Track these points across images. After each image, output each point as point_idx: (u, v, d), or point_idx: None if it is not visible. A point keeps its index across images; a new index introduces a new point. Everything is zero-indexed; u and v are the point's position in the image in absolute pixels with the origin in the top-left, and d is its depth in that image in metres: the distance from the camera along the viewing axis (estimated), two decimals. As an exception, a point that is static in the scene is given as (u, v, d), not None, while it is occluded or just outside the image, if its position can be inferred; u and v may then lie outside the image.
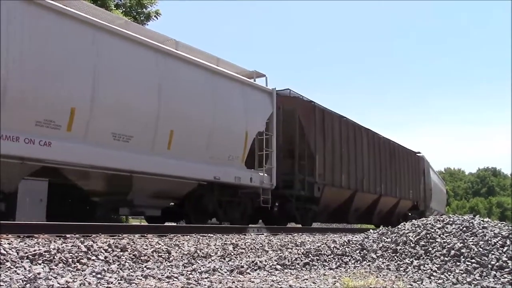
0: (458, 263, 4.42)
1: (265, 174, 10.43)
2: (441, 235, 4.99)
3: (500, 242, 4.64)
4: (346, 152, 14.21)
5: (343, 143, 14.07)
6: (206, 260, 4.92)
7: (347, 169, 14.14)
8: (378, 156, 16.62)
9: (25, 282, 3.11)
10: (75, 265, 3.98)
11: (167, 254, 4.90)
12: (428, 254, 4.71)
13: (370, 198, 16.16)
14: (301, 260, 4.80)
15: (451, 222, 5.32)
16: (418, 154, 21.87)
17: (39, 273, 3.34)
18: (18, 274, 3.32)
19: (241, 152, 9.78)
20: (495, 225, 5.23)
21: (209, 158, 8.95)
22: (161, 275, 3.72)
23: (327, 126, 13.30)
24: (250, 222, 11.42)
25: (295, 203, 11.89)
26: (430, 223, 5.38)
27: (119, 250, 4.64)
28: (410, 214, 19.84)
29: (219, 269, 4.20)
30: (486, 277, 4.08)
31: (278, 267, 4.54)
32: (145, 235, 6.00)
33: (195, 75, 8.86)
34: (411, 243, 4.97)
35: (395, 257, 4.81)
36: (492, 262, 4.31)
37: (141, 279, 3.54)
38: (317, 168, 12.50)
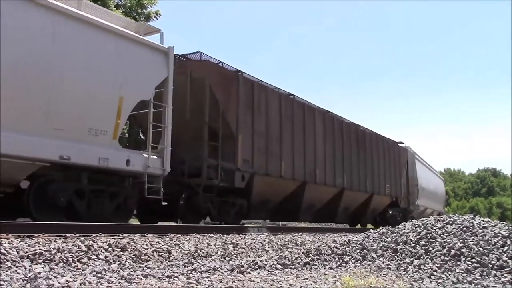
0: (458, 263, 4.42)
1: (154, 157, 8.08)
2: (442, 235, 5.00)
3: (500, 242, 4.64)
4: (290, 136, 11.90)
5: (284, 125, 11.71)
6: (206, 260, 4.92)
7: (290, 156, 11.80)
8: (339, 143, 14.32)
9: (25, 282, 3.11)
10: (75, 264, 3.98)
11: (167, 254, 4.90)
12: (428, 253, 4.71)
13: (328, 192, 13.90)
14: (302, 260, 4.80)
15: (451, 222, 5.32)
16: (401, 145, 19.75)
17: (39, 273, 3.34)
18: (18, 273, 3.33)
19: (111, 125, 7.44)
20: (495, 225, 5.24)
21: (53, 130, 6.68)
22: (162, 275, 3.72)
23: (259, 101, 10.98)
24: (147, 218, 9.86)
25: (203, 195, 9.42)
26: (430, 223, 5.38)
27: (120, 249, 4.64)
28: (390, 212, 18.21)
29: (219, 269, 4.21)
30: (486, 277, 4.08)
31: (279, 266, 4.54)
32: (145, 234, 6.00)
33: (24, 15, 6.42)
34: (412, 242, 4.97)
35: (396, 256, 4.81)
36: (493, 262, 4.31)
37: (141, 279, 3.54)
38: (239, 152, 10.12)
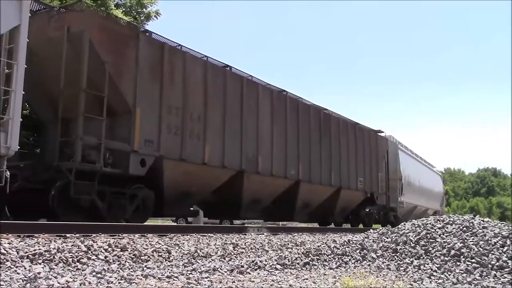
0: (458, 263, 4.42)
1: None
2: (441, 235, 4.99)
3: (500, 242, 4.64)
4: (219, 114, 9.87)
5: (211, 100, 9.65)
6: (206, 260, 4.92)
7: (218, 139, 9.75)
8: (293, 127, 12.24)
9: (25, 282, 3.11)
10: (75, 264, 3.98)
11: (167, 254, 4.91)
12: (428, 254, 4.71)
13: (277, 184, 11.76)
14: (301, 260, 4.80)
15: (451, 222, 5.32)
16: (380, 134, 17.49)
17: (39, 273, 3.34)
18: (18, 273, 3.33)
19: None
20: (495, 225, 5.23)
21: None
22: (161, 275, 3.72)
23: (173, 69, 8.90)
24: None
25: (76, 183, 7.29)
26: (430, 223, 5.38)
27: (119, 249, 4.64)
28: (368, 210, 16.45)
29: (219, 269, 4.20)
30: (486, 277, 4.08)
31: (278, 266, 4.54)
32: (145, 234, 6.00)
33: None
34: (411, 243, 4.97)
35: (395, 257, 4.81)
36: (492, 262, 4.31)
37: (141, 279, 3.54)
38: (137, 131, 8.06)
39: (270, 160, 11.27)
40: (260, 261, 4.61)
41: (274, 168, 11.37)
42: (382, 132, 17.76)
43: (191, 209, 10.87)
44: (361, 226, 16.37)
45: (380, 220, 17.44)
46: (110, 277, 3.47)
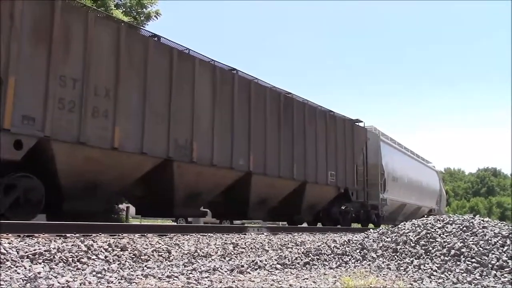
0: (458, 263, 4.42)
1: None
2: (441, 235, 5.00)
3: (500, 242, 4.64)
4: (136, 89, 8.18)
5: (125, 74, 8.03)
6: (206, 260, 4.92)
7: (134, 119, 8.09)
8: (244, 111, 10.61)
9: (25, 282, 3.11)
10: (75, 264, 3.98)
11: (167, 254, 4.91)
12: (428, 253, 4.71)
13: (220, 176, 10.03)
14: (301, 260, 4.80)
15: (451, 221, 5.32)
16: (358, 124, 15.79)
17: (39, 273, 3.34)
18: (18, 273, 3.32)
19: None
20: (495, 224, 5.23)
21: None
22: (161, 275, 3.72)
23: (67, 33, 7.26)
24: None
25: None
26: (430, 223, 5.38)
27: (119, 249, 4.64)
28: (344, 208, 14.73)
29: (219, 269, 4.20)
30: (486, 277, 4.08)
31: (279, 266, 4.54)
32: (145, 234, 6.01)
33: None
34: (411, 242, 4.97)
35: (396, 256, 4.81)
36: (492, 262, 4.31)
37: (141, 279, 3.54)
38: (10, 104, 6.51)
39: (210, 148, 9.58)
40: (260, 261, 4.61)
41: (215, 157, 9.67)
42: (361, 121, 15.91)
43: (119, 206, 10.11)
44: (353, 226, 15.78)
45: (360, 219, 16.16)
46: (110, 276, 3.48)
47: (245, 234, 7.61)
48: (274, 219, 14.40)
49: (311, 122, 13.02)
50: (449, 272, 4.23)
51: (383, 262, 4.70)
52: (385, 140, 18.60)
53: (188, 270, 4.04)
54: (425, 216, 21.95)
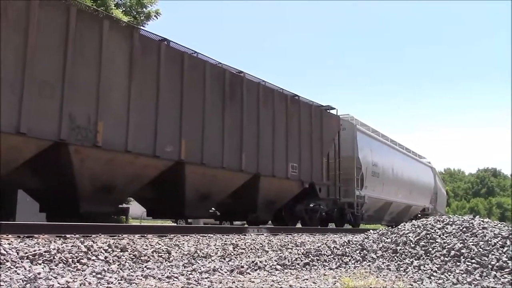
0: (458, 263, 4.42)
1: None
2: (441, 236, 5.00)
3: (500, 243, 4.64)
4: (16, 50, 6.49)
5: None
6: (206, 260, 4.93)
7: (14, 90, 6.44)
8: (174, 88, 8.82)
9: (25, 282, 3.11)
10: (75, 265, 3.98)
11: (167, 254, 4.91)
12: (428, 254, 4.71)
13: (141, 165, 8.28)
14: (301, 260, 4.80)
15: (451, 222, 5.32)
16: (330, 111, 13.95)
17: (39, 273, 3.34)
18: (18, 274, 3.32)
19: None
20: (495, 225, 5.23)
21: None
22: (161, 275, 3.72)
23: None
24: None
25: None
26: (430, 224, 5.38)
27: (119, 250, 4.64)
28: (313, 205, 13.08)
29: (219, 269, 4.20)
30: (486, 277, 4.08)
31: (278, 267, 4.54)
32: (145, 235, 6.01)
33: None
34: (411, 243, 4.97)
35: (395, 257, 4.81)
36: (492, 262, 4.31)
37: (141, 279, 3.54)
38: None
39: (123, 129, 7.84)
40: (260, 262, 4.61)
41: (131, 141, 7.91)
42: (333, 108, 14.01)
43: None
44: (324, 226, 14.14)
45: (334, 218, 14.64)
46: (110, 277, 3.48)
47: (245, 235, 7.61)
48: (225, 218, 12.33)
49: (267, 106, 11.22)
50: (449, 273, 4.23)
51: (383, 263, 4.70)
52: (363, 130, 16.60)
53: (188, 271, 4.05)
54: (418, 216, 20.98)
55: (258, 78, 11.39)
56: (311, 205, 13.17)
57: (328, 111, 13.95)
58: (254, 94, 10.95)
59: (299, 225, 13.18)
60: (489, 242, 4.67)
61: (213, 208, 11.68)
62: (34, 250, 4.01)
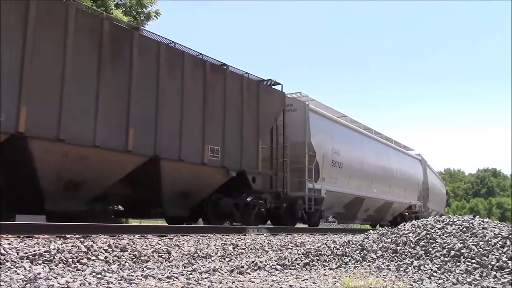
0: (458, 264, 4.42)
1: None
2: (441, 236, 5.00)
3: (500, 243, 4.64)
4: None
5: None
6: (206, 260, 4.93)
7: None
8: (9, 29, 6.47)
9: (25, 282, 3.11)
10: (75, 265, 3.98)
11: (167, 254, 4.91)
12: (428, 254, 4.71)
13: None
14: (301, 260, 4.80)
15: (451, 222, 5.32)
16: (272, 86, 11.74)
17: (39, 273, 3.34)
18: (18, 274, 3.32)
19: None
20: (495, 225, 5.23)
21: None
22: (161, 275, 3.72)
23: None
24: None
25: None
26: (430, 224, 5.38)
27: (119, 250, 4.65)
28: (250, 199, 10.73)
29: (219, 269, 4.20)
30: (486, 277, 4.08)
31: (278, 267, 4.54)
32: (145, 235, 6.01)
33: None
34: (411, 243, 4.97)
35: (395, 257, 4.81)
36: (492, 263, 4.31)
37: (141, 279, 3.54)
38: None
39: None
40: (260, 262, 4.61)
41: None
42: (277, 84, 11.78)
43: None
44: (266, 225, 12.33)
45: (281, 215, 12.36)
46: (110, 277, 3.48)
47: (245, 235, 7.62)
48: (124, 214, 10.47)
49: (174, 72, 8.90)
50: (449, 273, 4.23)
51: (383, 263, 4.70)
52: (320, 112, 13.93)
53: (188, 271, 4.05)
54: (405, 214, 20.08)
55: (162, 38, 9.07)
56: (248, 199, 10.73)
57: (271, 86, 11.71)
58: (151, 56, 8.59)
59: (299, 225, 13.13)
60: (489, 242, 4.67)
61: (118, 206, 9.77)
62: (34, 250, 4.01)
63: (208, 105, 9.63)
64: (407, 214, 21.09)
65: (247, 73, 10.96)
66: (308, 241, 7.65)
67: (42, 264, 3.82)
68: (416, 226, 5.39)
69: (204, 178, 9.62)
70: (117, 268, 4.00)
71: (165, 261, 4.72)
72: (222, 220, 10.43)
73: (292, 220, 12.69)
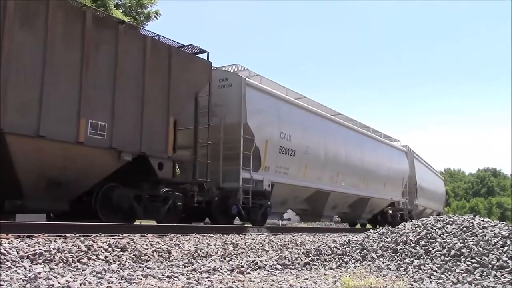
0: (458, 263, 4.42)
1: None
2: (441, 235, 5.00)
3: (500, 242, 4.64)
4: None
5: None
6: (206, 260, 4.93)
7: None
8: None
9: (25, 282, 3.11)
10: (75, 264, 3.99)
11: (167, 254, 4.91)
12: (428, 254, 4.71)
13: None
14: (302, 260, 4.80)
15: (451, 222, 5.33)
16: (194, 53, 9.68)
17: (39, 273, 3.34)
18: (18, 273, 3.33)
19: None
20: (495, 225, 5.24)
21: None
22: (162, 275, 3.72)
23: None
24: None
25: None
26: (430, 223, 5.39)
27: (119, 249, 4.65)
28: (167, 190, 8.55)
29: (219, 269, 4.21)
30: (486, 277, 4.08)
31: (279, 266, 4.54)
32: (145, 234, 6.02)
33: None
34: (412, 243, 4.97)
35: (396, 257, 4.81)
36: (492, 262, 4.31)
37: (141, 279, 3.54)
38: None
39: None
40: (260, 261, 4.61)
41: None
42: (202, 52, 9.80)
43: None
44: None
45: (212, 211, 10.10)
46: (110, 277, 3.48)
47: (245, 235, 7.62)
48: None
49: (30, 23, 6.85)
50: (449, 273, 4.23)
51: (383, 263, 4.70)
52: (262, 88, 11.56)
53: (188, 270, 4.05)
54: (388, 212, 18.72)
55: None
56: (163, 191, 8.58)
57: (193, 54, 9.69)
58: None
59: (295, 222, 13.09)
60: (489, 241, 4.67)
61: None
62: (34, 250, 4.01)
63: (88, 69, 7.49)
64: (390, 212, 19.06)
65: (157, 35, 8.94)
66: (308, 240, 7.66)
67: (42, 263, 3.82)
68: (416, 225, 5.40)
69: (83, 162, 7.42)
70: (117, 268, 4.01)
71: (165, 260, 4.73)
72: (118, 215, 8.03)
73: (227, 217, 10.28)
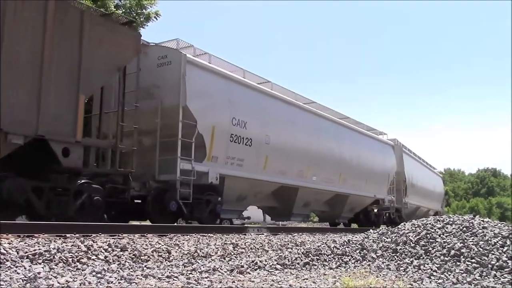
0: (458, 263, 4.42)
1: None
2: (441, 235, 5.00)
3: (500, 242, 4.64)
4: None
5: None
6: (206, 260, 4.93)
7: None
8: None
9: (25, 282, 3.11)
10: (75, 264, 3.99)
11: (167, 254, 4.91)
12: (428, 254, 4.71)
13: None
14: (301, 260, 4.80)
15: (451, 222, 5.33)
16: (113, 24, 8.17)
17: (39, 273, 3.34)
18: (18, 273, 3.33)
19: None
20: (495, 225, 5.24)
21: None
22: (161, 275, 3.72)
23: None
24: None
25: None
26: (430, 223, 5.39)
27: (119, 249, 4.65)
28: (83, 182, 7.33)
29: (219, 269, 4.21)
30: (486, 277, 4.08)
31: (278, 266, 4.54)
32: (145, 234, 6.02)
33: None
34: (411, 243, 4.97)
35: (395, 257, 4.81)
36: (492, 262, 4.31)
37: (141, 279, 3.54)
38: None
39: None
40: (260, 261, 4.61)
41: None
42: (132, 22, 8.74)
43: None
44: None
45: (146, 208, 8.86)
46: (110, 277, 3.48)
47: (245, 235, 7.62)
48: None
49: None
50: (449, 273, 4.23)
51: (383, 263, 4.70)
52: (207, 66, 10.09)
53: (188, 270, 4.05)
54: (373, 210, 17.90)
55: None
56: (80, 184, 7.35)
57: (118, 23, 8.27)
58: None
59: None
60: (489, 241, 4.67)
61: None
62: (34, 250, 4.01)
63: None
64: (374, 210, 17.71)
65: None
66: (308, 240, 7.66)
67: (42, 263, 3.82)
68: (416, 225, 5.40)
69: None
70: (117, 268, 4.01)
71: (165, 260, 4.73)
72: (13, 212, 6.99)
73: (165, 214, 8.95)
